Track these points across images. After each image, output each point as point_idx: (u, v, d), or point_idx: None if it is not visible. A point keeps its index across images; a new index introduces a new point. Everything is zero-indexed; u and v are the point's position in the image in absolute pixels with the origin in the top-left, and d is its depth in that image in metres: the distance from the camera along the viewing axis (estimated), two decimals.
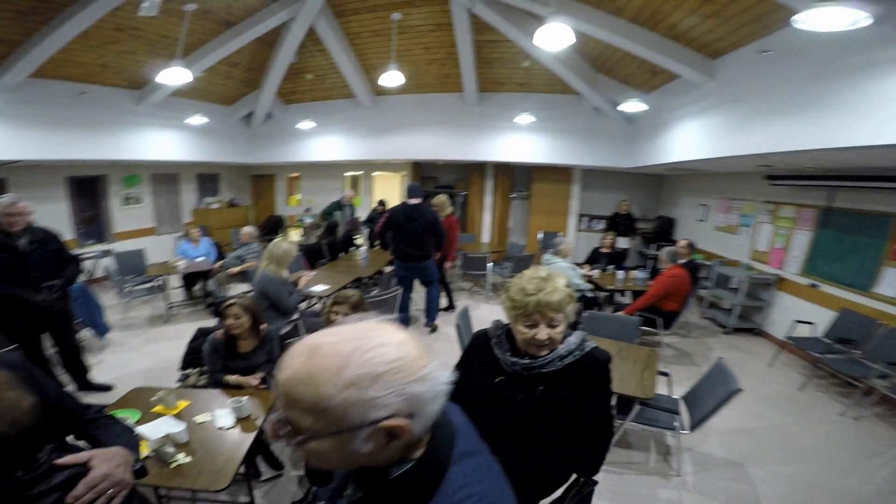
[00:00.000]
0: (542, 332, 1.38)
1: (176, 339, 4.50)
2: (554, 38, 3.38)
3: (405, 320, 5.33)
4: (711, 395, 2.79)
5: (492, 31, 6.10)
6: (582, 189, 9.25)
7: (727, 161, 4.94)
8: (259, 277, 3.71)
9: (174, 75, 4.61)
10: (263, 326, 2.81)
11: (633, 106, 5.72)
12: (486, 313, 6.24)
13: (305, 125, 8.14)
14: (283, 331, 3.79)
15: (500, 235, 9.70)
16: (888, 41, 2.71)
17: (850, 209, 4.64)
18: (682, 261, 5.11)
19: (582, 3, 4.77)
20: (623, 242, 7.90)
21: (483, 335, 1.60)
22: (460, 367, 1.59)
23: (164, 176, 8.90)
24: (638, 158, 7.24)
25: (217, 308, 3.74)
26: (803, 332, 4.77)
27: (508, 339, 1.51)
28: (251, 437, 2.03)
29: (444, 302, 6.08)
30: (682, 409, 3.06)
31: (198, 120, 7.21)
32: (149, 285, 5.83)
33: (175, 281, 6.13)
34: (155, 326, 5.39)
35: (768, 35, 3.81)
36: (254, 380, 2.60)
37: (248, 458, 2.35)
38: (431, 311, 5.42)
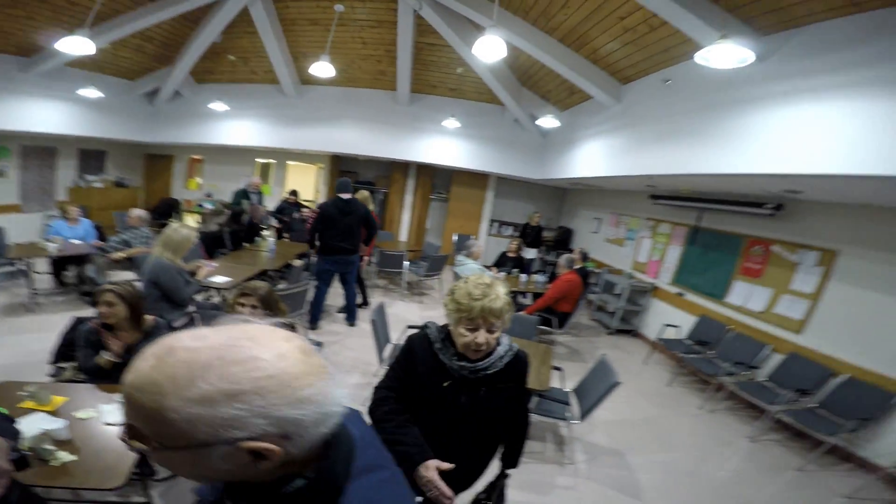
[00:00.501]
0: (482, 336, 1.40)
1: (42, 330, 3.86)
2: (490, 49, 3.49)
3: (318, 318, 5.09)
4: (596, 387, 3.03)
5: (434, 35, 6.06)
6: (495, 196, 9.55)
7: (621, 179, 5.39)
8: (152, 265, 3.29)
9: (75, 45, 4.00)
10: (149, 318, 2.47)
11: (548, 121, 6.05)
12: (402, 310, 6.17)
13: (218, 107, 7.49)
14: (178, 323, 3.42)
15: (417, 235, 9.69)
16: (766, 79, 3.10)
17: (713, 229, 5.29)
18: (577, 266, 5.51)
19: (521, 18, 4.93)
20: (530, 253, 8.18)
21: (423, 338, 1.56)
22: (401, 368, 1.58)
23: (39, 149, 7.62)
24: (547, 171, 7.70)
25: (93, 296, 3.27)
26: (670, 334, 5.36)
27: (450, 343, 1.50)
28: None
29: (357, 298, 5.89)
30: (574, 401, 3.26)
31: (91, 93, 6.28)
32: (9, 269, 4.90)
33: (42, 265, 5.22)
34: (15, 316, 4.53)
35: (672, 66, 4.20)
36: None
37: (142, 456, 2.11)
38: (351, 307, 5.25)
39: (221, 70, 7.95)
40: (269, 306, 2.39)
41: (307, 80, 7.83)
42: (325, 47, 5.86)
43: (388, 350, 3.65)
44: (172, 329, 3.29)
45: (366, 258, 5.70)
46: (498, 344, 1.50)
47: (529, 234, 8.44)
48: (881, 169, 2.35)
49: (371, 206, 5.62)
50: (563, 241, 8.81)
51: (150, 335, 2.43)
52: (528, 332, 3.98)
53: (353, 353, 4.46)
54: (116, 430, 1.78)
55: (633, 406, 4.14)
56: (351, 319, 5.28)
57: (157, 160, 10.18)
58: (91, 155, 8.74)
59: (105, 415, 1.90)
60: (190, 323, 3.54)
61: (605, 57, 4.90)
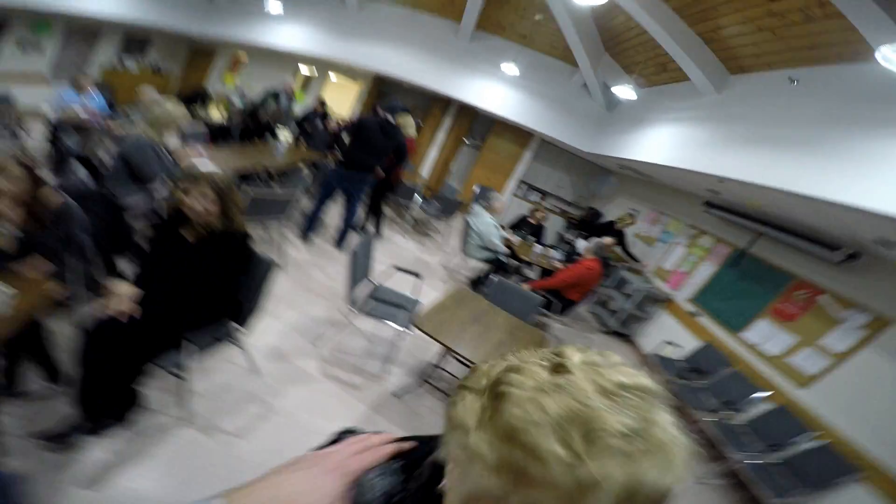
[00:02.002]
0: None
1: None
2: None
3: (310, 228, 4.42)
4: None
5: None
6: (533, 157, 8.47)
7: (685, 175, 4.37)
8: (126, 138, 2.71)
9: None
10: (56, 197, 1.75)
11: (624, 91, 4.91)
12: (397, 245, 5.50)
13: (274, 7, 6.66)
14: (131, 199, 2.71)
15: (439, 175, 8.74)
16: None
17: (761, 258, 4.30)
18: (602, 255, 4.68)
19: None
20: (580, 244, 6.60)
21: None
22: None
23: (83, 29, 6.79)
24: (601, 146, 6.51)
25: (58, 159, 2.60)
26: (668, 352, 4.59)
27: None
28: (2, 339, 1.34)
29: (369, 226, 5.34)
30: None
31: None
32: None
33: (40, 132, 4.59)
34: None
35: (808, 66, 3.08)
36: (34, 269, 1.61)
37: (10, 364, 1.73)
38: (347, 230, 4.58)
39: None
40: (229, 203, 1.78)
41: None
42: None
43: (361, 289, 2.98)
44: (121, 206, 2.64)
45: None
46: None
47: (594, 227, 6.62)
48: None
49: (411, 132, 4.89)
50: (589, 223, 7.82)
51: (54, 221, 1.71)
52: (526, 312, 3.28)
53: (328, 282, 3.78)
54: None
55: None
56: (340, 243, 4.59)
57: (200, 55, 9.27)
58: (135, 41, 7.95)
59: None
60: (156, 212, 2.88)
61: (724, 39, 3.72)
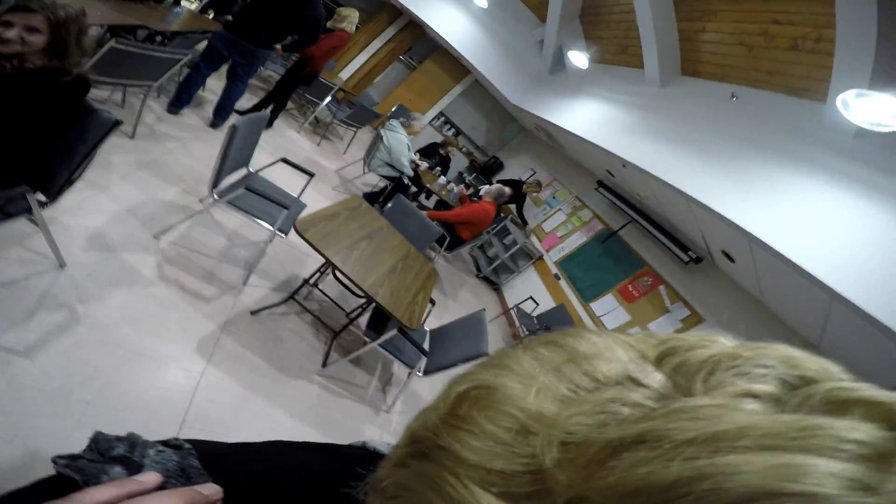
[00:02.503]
0: None
1: None
2: None
3: (183, 104, 3.38)
4: (460, 344, 2.34)
5: None
6: (461, 93, 8.03)
7: (592, 151, 4.42)
8: None
9: None
10: None
11: (578, 59, 4.69)
12: (289, 140, 4.59)
13: None
14: None
15: (360, 83, 7.67)
16: (828, 148, 2.30)
17: (625, 241, 4.74)
18: (499, 203, 4.62)
19: None
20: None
21: None
22: None
23: None
24: (530, 103, 6.30)
25: None
26: (527, 307, 4.94)
27: None
28: None
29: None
30: (427, 343, 2.48)
31: None
32: None
33: None
34: None
35: (761, 89, 3.10)
36: None
37: None
38: (226, 108, 3.60)
39: None
40: (65, 37, 1.33)
41: None
42: None
43: (232, 178, 2.30)
44: None
45: (278, 47, 3.93)
46: None
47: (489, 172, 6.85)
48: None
49: (349, 27, 4.16)
50: (489, 169, 7.81)
51: None
52: (422, 241, 3.06)
53: (191, 164, 2.88)
54: None
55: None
56: (217, 119, 3.61)
57: None
58: None
59: None
60: None
61: (698, 42, 3.62)
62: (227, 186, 2.23)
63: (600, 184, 5.26)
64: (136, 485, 0.26)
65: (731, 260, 3.16)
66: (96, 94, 2.77)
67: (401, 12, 7.11)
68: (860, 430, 0.13)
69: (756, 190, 2.47)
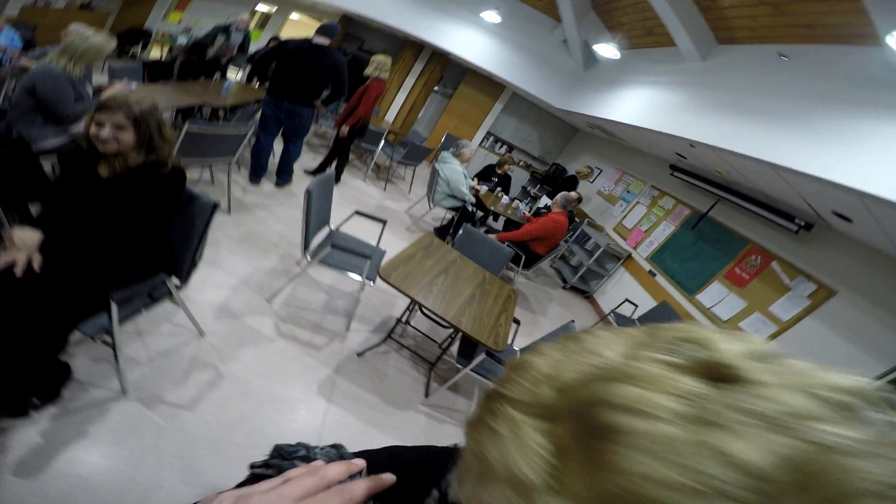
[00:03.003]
0: None
1: None
2: None
3: (260, 172, 3.98)
4: None
5: None
6: (503, 109, 8.19)
7: (655, 138, 4.30)
8: (35, 69, 2.21)
9: None
10: None
11: (607, 50, 4.64)
12: (359, 190, 5.08)
13: None
14: (48, 144, 2.29)
15: (405, 121, 8.24)
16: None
17: (719, 222, 4.39)
18: (569, 209, 4.60)
19: None
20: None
21: None
22: None
23: None
24: (573, 103, 6.35)
25: None
26: (623, 310, 4.70)
27: None
28: None
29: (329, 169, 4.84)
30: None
31: None
32: None
33: None
34: None
35: (807, 44, 2.97)
36: None
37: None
38: (285, 169, 4.10)
39: None
40: (146, 132, 1.45)
41: None
42: None
43: (320, 237, 2.65)
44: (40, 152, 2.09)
45: (344, 128, 4.44)
46: None
47: (561, 186, 6.69)
48: None
49: (384, 74, 4.39)
50: (553, 178, 7.75)
51: None
52: (497, 265, 3.12)
53: (281, 230, 3.36)
54: None
55: None
56: (280, 180, 4.12)
57: None
58: None
59: None
60: (70, 145, 2.37)
61: (721, 9, 3.53)
62: (316, 246, 2.57)
63: (674, 168, 4.99)
64: (350, 465, 0.41)
65: (848, 220, 2.80)
66: (190, 176, 3.36)
67: (422, 46, 7.55)
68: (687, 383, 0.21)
69: (839, 143, 2.29)
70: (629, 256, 5.33)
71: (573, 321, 2.50)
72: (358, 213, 2.87)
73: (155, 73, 4.45)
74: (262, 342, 2.21)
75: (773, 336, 3.35)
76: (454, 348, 2.53)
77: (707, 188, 4.44)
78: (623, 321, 4.37)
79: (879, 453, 0.17)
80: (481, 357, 2.20)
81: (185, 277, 1.80)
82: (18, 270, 1.28)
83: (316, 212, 2.41)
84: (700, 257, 4.41)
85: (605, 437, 0.21)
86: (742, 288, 3.82)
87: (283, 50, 3.61)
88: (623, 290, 5.08)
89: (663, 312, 4.32)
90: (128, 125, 1.44)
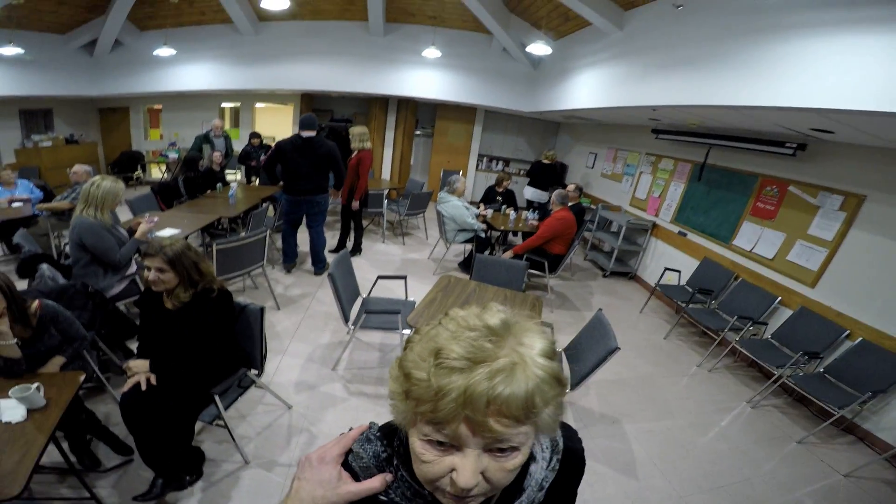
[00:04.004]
0: (467, 469, 0.47)
1: None
2: None
3: (292, 259, 4.66)
4: (591, 350, 2.51)
5: None
6: (483, 130, 8.78)
7: (621, 112, 4.67)
8: (73, 224, 2.73)
9: None
10: (34, 305, 1.86)
11: (539, 48, 5.13)
12: (382, 253, 5.61)
13: (164, 52, 6.40)
14: (116, 290, 2.89)
15: (401, 172, 8.96)
16: (796, 6, 2.42)
17: (722, 166, 4.61)
18: (571, 204, 4.89)
19: None
20: (536, 194, 7.12)
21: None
22: None
23: None
24: (539, 103, 6.86)
25: (22, 266, 2.67)
26: (671, 279, 4.84)
27: (406, 469, 0.58)
28: (49, 430, 1.53)
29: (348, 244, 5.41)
30: (564, 362, 2.79)
31: (9, 50, 5.37)
32: None
33: None
34: None
35: None
36: (53, 367, 1.87)
37: (78, 448, 2.06)
38: (318, 256, 4.69)
39: (164, 14, 6.66)
40: (183, 270, 1.88)
41: (265, 17, 6.78)
42: None
43: (356, 307, 3.11)
44: (111, 298, 2.76)
45: (354, 203, 5.01)
46: (531, 461, 0.61)
47: (539, 174, 7.12)
48: None
49: (367, 145, 4.91)
50: (557, 176, 8.08)
51: (43, 325, 1.87)
52: (516, 281, 3.45)
53: (325, 308, 3.92)
54: (20, 427, 1.50)
55: (627, 363, 3.66)
56: (317, 268, 4.72)
57: (111, 113, 8.97)
58: (34, 115, 7.62)
59: (4, 412, 1.55)
60: (133, 288, 3.01)
61: None
62: (356, 314, 3.04)
63: (656, 131, 5.29)
64: (360, 427, 0.64)
65: (829, 132, 3.00)
66: (234, 288, 4.05)
67: (387, 99, 8.29)
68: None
69: (770, 69, 2.55)
70: (654, 225, 5.53)
71: (600, 310, 2.72)
72: (380, 277, 3.37)
73: (166, 196, 5.09)
74: (338, 403, 2.71)
75: (828, 260, 3.40)
76: None
77: (694, 140, 4.72)
78: (674, 292, 4.54)
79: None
80: None
81: (260, 367, 2.31)
82: (143, 386, 1.83)
83: (343, 288, 2.90)
84: (720, 204, 4.60)
85: (407, 347, 0.52)
86: (772, 220, 3.96)
87: (282, 151, 4.23)
88: (662, 259, 5.27)
89: (708, 272, 4.48)
90: (167, 267, 1.85)
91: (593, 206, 6.60)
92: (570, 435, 0.71)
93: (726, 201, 4.52)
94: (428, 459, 0.49)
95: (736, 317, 3.72)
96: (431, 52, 6.26)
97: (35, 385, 1.60)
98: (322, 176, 4.38)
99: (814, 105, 2.32)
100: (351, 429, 0.65)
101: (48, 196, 4.90)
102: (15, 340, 1.73)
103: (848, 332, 3.17)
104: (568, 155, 8.40)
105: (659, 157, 5.63)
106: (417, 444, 0.50)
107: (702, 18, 3.22)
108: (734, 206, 4.40)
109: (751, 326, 3.68)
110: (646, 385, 3.41)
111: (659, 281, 4.83)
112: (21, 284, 1.97)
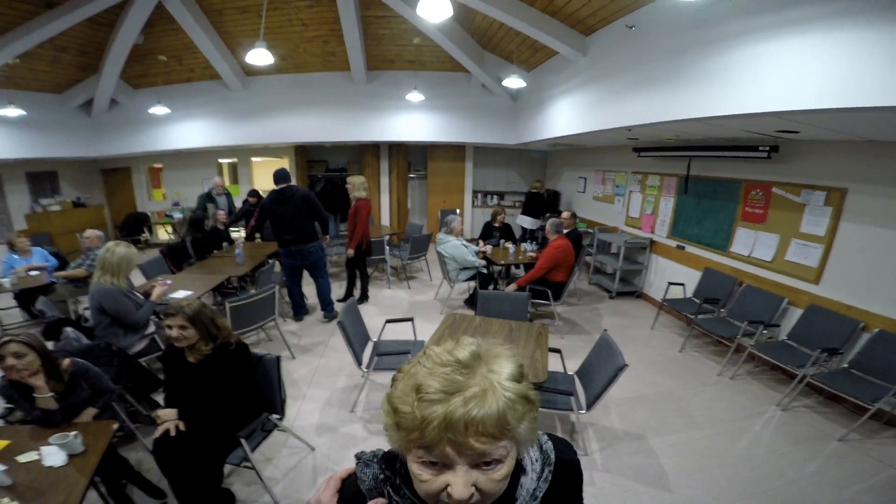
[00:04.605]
0: (459, 484, 0.56)
1: None
2: (435, 8, 3.11)
3: (301, 311, 4.90)
4: (601, 370, 2.65)
5: (380, 6, 5.52)
6: (475, 166, 9.17)
7: (599, 135, 4.96)
8: (92, 291, 2.96)
9: None
10: (66, 362, 2.10)
11: (513, 82, 5.50)
12: (388, 299, 5.75)
13: (158, 111, 6.85)
14: (137, 348, 3.10)
15: (399, 217, 9.26)
16: (739, 14, 2.69)
17: (704, 176, 4.85)
18: (566, 230, 5.05)
19: None
20: (527, 223, 7.72)
21: (355, 499, 0.72)
22: None
23: None
24: (522, 135, 7.26)
25: (48, 330, 2.96)
26: (676, 293, 4.96)
27: (408, 488, 0.67)
28: (89, 473, 1.71)
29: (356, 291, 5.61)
30: (578, 385, 2.89)
31: (11, 112, 5.71)
32: None
33: (8, 301, 4.86)
34: None
35: (635, 11, 3.75)
36: (87, 417, 2.06)
37: (115, 492, 2.24)
38: (325, 301, 4.91)
39: (155, 72, 7.19)
40: (202, 326, 2.10)
41: (252, 72, 7.27)
42: (260, 35, 5.11)
43: (367, 350, 3.23)
44: (133, 356, 2.95)
45: (348, 250, 5.23)
46: (521, 473, 0.70)
47: (530, 204, 7.78)
48: (878, 100, 1.99)
49: (363, 193, 5.15)
50: (550, 204, 8.39)
51: (75, 380, 2.09)
52: (520, 312, 3.59)
53: (339, 354, 4.04)
54: (62, 471, 1.68)
55: (645, 380, 3.73)
56: (326, 313, 4.92)
57: (113, 174, 9.44)
58: (41, 177, 8.07)
59: (46, 457, 1.74)
60: (153, 345, 3.22)
61: (561, 8, 4.43)
62: (369, 357, 3.15)
63: (636, 150, 5.62)
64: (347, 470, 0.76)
65: (794, 132, 3.24)
66: (250, 341, 4.22)
67: (378, 145, 8.70)
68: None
69: (718, 79, 2.85)
70: (652, 242, 5.72)
71: (605, 331, 2.87)
72: (388, 321, 3.55)
73: (175, 258, 5.28)
74: (359, 442, 2.81)
75: (825, 255, 3.53)
76: None
77: (674, 154, 5.01)
78: (681, 305, 4.67)
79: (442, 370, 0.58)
80: None
81: (280, 412, 2.47)
82: (172, 432, 2.03)
83: (354, 334, 3.08)
84: (710, 213, 4.80)
85: (392, 385, 0.63)
86: (763, 223, 4.13)
87: (264, 210, 4.52)
88: (665, 275, 5.42)
89: (711, 281, 4.62)
90: (188, 325, 2.07)
91: (590, 230, 6.81)
92: (562, 448, 0.78)
93: (716, 210, 4.72)
94: (425, 479, 0.58)
95: (746, 322, 3.77)
96: (415, 96, 6.65)
97: (73, 433, 1.78)
98: (306, 224, 4.56)
99: (767, 109, 2.55)
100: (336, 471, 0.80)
101: (62, 263, 5.17)
102: (51, 394, 1.95)
103: (862, 324, 3.24)
104: (559, 182, 8.72)
105: (645, 175, 5.90)
106: (414, 467, 0.59)
107: (655, 37, 3.52)
108: (725, 214, 4.60)
109: (764, 330, 3.75)
110: (667, 399, 3.45)
111: (665, 296, 4.95)
112: (48, 346, 2.12)
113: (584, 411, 2.66)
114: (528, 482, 0.69)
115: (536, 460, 0.71)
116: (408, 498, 0.66)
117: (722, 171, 4.64)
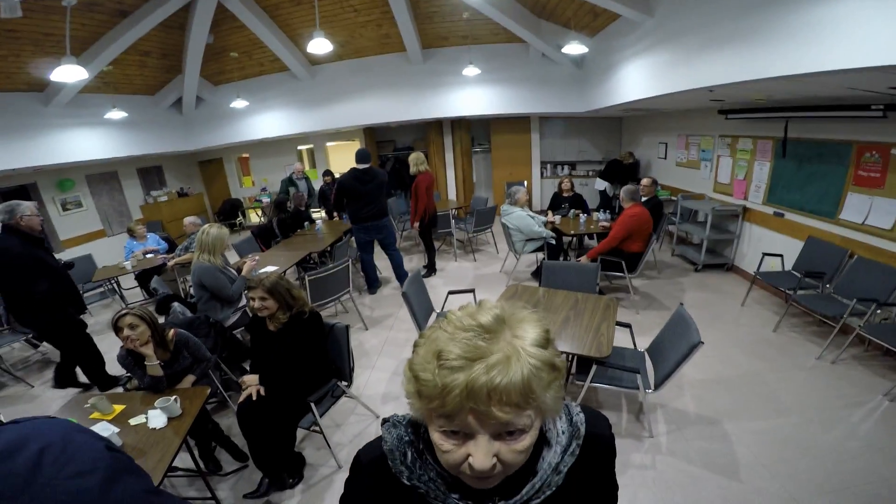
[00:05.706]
0: (481, 454, 0.56)
1: None
2: None
3: (374, 284, 5.33)
4: (674, 347, 2.52)
5: None
6: (542, 137, 8.96)
7: (677, 98, 4.60)
8: (193, 268, 3.43)
9: (69, 73, 3.99)
10: (171, 332, 2.48)
11: (574, 48, 5.23)
12: (454, 271, 5.97)
13: (239, 104, 7.46)
14: (231, 320, 3.56)
15: (465, 191, 9.41)
16: None
17: (807, 139, 4.32)
18: (645, 198, 4.78)
19: None
20: (602, 186, 7.64)
21: (377, 460, 0.72)
22: None
23: (101, 175, 8.15)
24: (590, 102, 6.95)
25: (159, 305, 3.55)
26: (773, 265, 4.55)
27: (431, 455, 0.68)
28: (182, 434, 1.99)
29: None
30: (648, 362, 2.81)
31: (116, 114, 6.49)
32: (100, 290, 5.53)
33: (131, 281, 5.74)
34: None
35: None
36: (187, 383, 2.44)
37: (205, 454, 2.60)
38: (400, 273, 5.27)
39: (230, 69, 7.79)
40: (280, 296, 2.42)
41: (316, 61, 7.64)
42: (315, 23, 5.45)
43: (431, 321, 3.40)
44: (228, 327, 3.43)
45: (414, 224, 5.53)
46: (545, 445, 0.69)
47: (611, 171, 7.56)
48: None
49: (423, 167, 5.40)
50: (628, 171, 7.95)
51: (179, 348, 2.47)
52: (588, 283, 3.52)
53: (408, 325, 4.21)
54: (162, 432, 1.99)
55: (728, 361, 3.52)
56: (403, 285, 5.20)
57: (209, 165, 10.56)
58: (150, 171, 9.26)
59: (151, 420, 2.04)
60: (244, 317, 3.67)
61: None
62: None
63: (723, 112, 5.14)
64: None
65: None
66: (327, 313, 4.65)
67: (441, 122, 8.81)
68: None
69: (823, 32, 2.45)
70: (745, 209, 5.25)
71: (682, 304, 2.75)
72: (451, 292, 3.71)
73: (264, 238, 6.03)
74: None
75: None
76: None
77: (768, 115, 4.52)
78: (778, 279, 4.30)
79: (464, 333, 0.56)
80: (594, 369, 2.59)
81: (349, 379, 2.74)
82: (253, 396, 2.34)
83: (417, 305, 3.26)
84: (815, 178, 4.30)
85: (413, 352, 0.61)
86: (881, 188, 3.63)
87: (343, 186, 4.88)
88: (760, 245, 4.98)
89: (815, 252, 4.19)
90: (267, 296, 2.38)
91: (673, 198, 6.40)
92: (594, 421, 0.74)
93: (822, 174, 4.20)
94: (447, 449, 0.57)
95: (856, 300, 3.35)
96: (471, 70, 6.63)
97: (174, 397, 2.12)
98: (381, 201, 5.00)
99: (874, 63, 2.18)
100: None
101: (172, 246, 6.05)
102: (158, 362, 2.31)
103: None
104: (637, 148, 8.23)
105: (735, 138, 5.38)
106: (436, 436, 0.58)
107: None
108: (833, 179, 4.08)
109: (878, 309, 3.31)
110: (752, 383, 3.24)
111: (758, 269, 4.55)
112: (159, 319, 2.52)
113: (651, 390, 2.60)
114: (550, 455, 0.67)
115: (563, 432, 0.69)
116: (429, 463, 0.67)
117: (827, 133, 4.10)
